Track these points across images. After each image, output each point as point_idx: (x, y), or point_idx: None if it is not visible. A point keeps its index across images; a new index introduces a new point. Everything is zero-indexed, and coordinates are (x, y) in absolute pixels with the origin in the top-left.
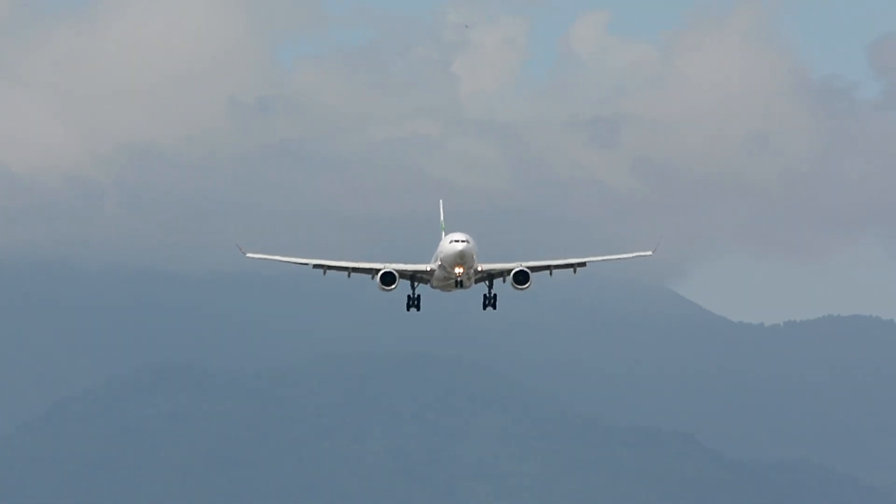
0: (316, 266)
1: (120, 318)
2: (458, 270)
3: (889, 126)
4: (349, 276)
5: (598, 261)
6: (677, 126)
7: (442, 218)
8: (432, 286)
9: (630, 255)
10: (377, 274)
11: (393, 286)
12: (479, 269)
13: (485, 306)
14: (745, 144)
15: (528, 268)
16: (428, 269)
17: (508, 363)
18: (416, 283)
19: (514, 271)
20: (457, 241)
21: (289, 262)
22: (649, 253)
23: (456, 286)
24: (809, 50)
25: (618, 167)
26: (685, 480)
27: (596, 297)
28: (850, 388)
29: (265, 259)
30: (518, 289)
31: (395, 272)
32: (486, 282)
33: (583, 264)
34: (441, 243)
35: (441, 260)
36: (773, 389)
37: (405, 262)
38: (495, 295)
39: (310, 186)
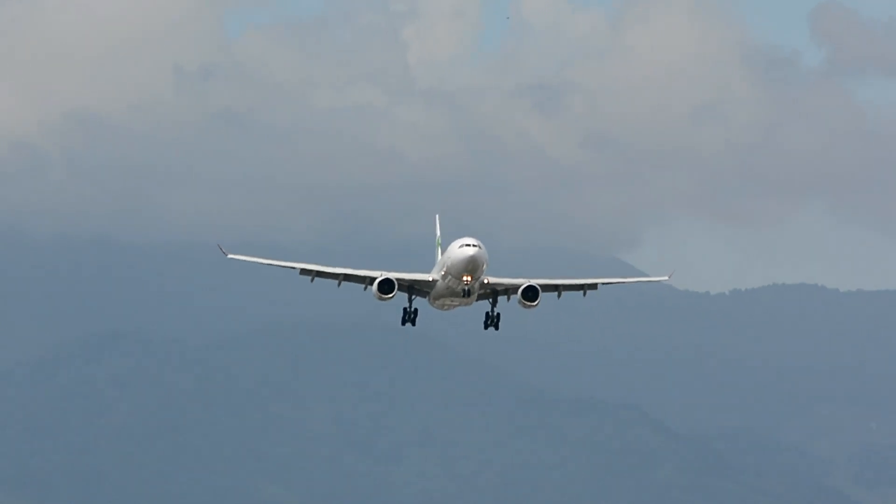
0: (303, 272)
1: (66, 285)
2: (467, 279)
3: (832, 94)
4: (339, 284)
5: (609, 283)
6: (624, 96)
7: (438, 234)
8: (431, 301)
9: (645, 279)
10: (373, 283)
11: (391, 295)
12: (486, 281)
13: (486, 326)
14: (691, 114)
15: (538, 286)
16: (430, 279)
17: (451, 332)
18: (413, 296)
19: (523, 287)
20: (467, 245)
21: (273, 265)
22: (666, 278)
23: (464, 296)
24: (753, 20)
25: (565, 137)
26: (630, 450)
27: (543, 267)
28: (794, 357)
29: (248, 261)
30: (526, 306)
31: (394, 280)
32: (490, 299)
33: (594, 286)
34: (448, 249)
35: (447, 268)
36: (718, 358)
37: (405, 272)
38: (498, 314)
39: (255, 155)
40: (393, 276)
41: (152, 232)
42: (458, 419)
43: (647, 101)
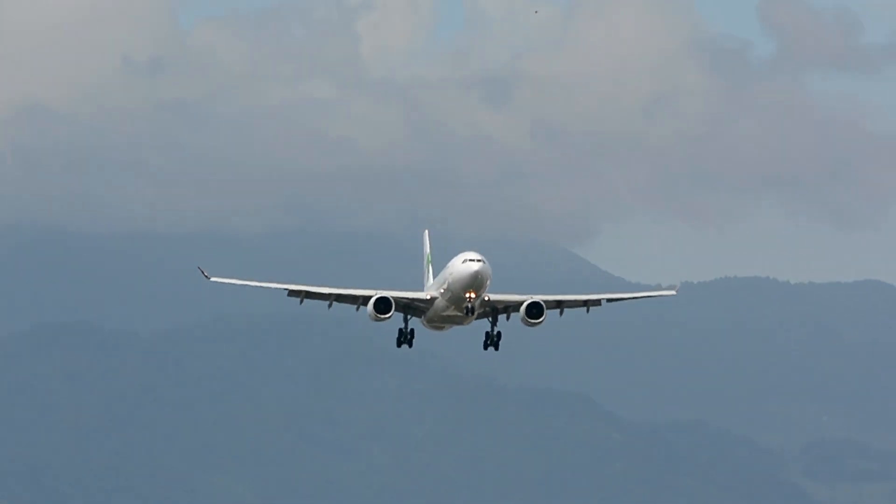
0: (292, 293)
1: (15, 276)
2: (471, 295)
3: (783, 85)
4: (330, 305)
5: (614, 299)
6: (576, 87)
7: (427, 250)
8: (426, 322)
9: (652, 293)
10: (367, 302)
11: (388, 315)
12: (486, 298)
13: (486, 346)
14: (642, 106)
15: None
16: (427, 297)
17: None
18: (409, 315)
19: (526, 304)
20: (471, 259)
21: (259, 286)
22: (672, 293)
23: (466, 314)
24: (704, 11)
25: (517, 128)
26: (580, 441)
27: (495, 258)
28: (745, 350)
29: (231, 283)
30: (530, 324)
31: (390, 299)
32: (489, 318)
33: (597, 302)
34: (449, 265)
35: (449, 284)
36: (669, 350)
37: (400, 290)
38: (499, 333)
39: (207, 146)
40: (389, 294)
41: (103, 223)
42: (409, 412)
43: (599, 92)
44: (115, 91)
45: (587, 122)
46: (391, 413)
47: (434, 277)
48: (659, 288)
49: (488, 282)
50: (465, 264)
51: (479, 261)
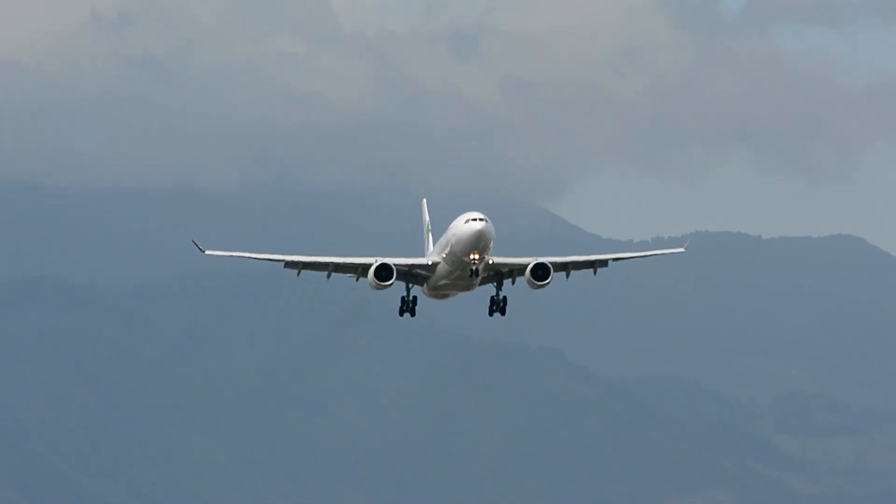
0: (288, 265)
1: None
2: (475, 257)
3: (753, 39)
4: (329, 276)
5: (622, 258)
6: (546, 42)
7: (427, 219)
8: (428, 290)
9: (660, 251)
10: (367, 270)
11: (390, 283)
12: (490, 262)
13: (491, 311)
14: (613, 60)
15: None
16: (429, 262)
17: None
18: (410, 283)
19: (532, 265)
20: (474, 219)
21: (254, 258)
22: (681, 250)
23: (471, 276)
24: None
25: (487, 83)
26: (552, 397)
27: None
28: (716, 305)
29: (226, 256)
30: (536, 286)
31: (392, 265)
32: (494, 282)
33: (605, 263)
34: (451, 227)
35: (451, 246)
36: (640, 305)
37: (399, 257)
38: (505, 297)
39: (177, 101)
40: (389, 261)
41: (73, 178)
42: (382, 368)
43: (570, 46)
44: (84, 45)
45: (558, 76)
46: (366, 370)
47: (434, 245)
48: (631, 244)
49: (492, 243)
50: (467, 224)
51: (482, 220)
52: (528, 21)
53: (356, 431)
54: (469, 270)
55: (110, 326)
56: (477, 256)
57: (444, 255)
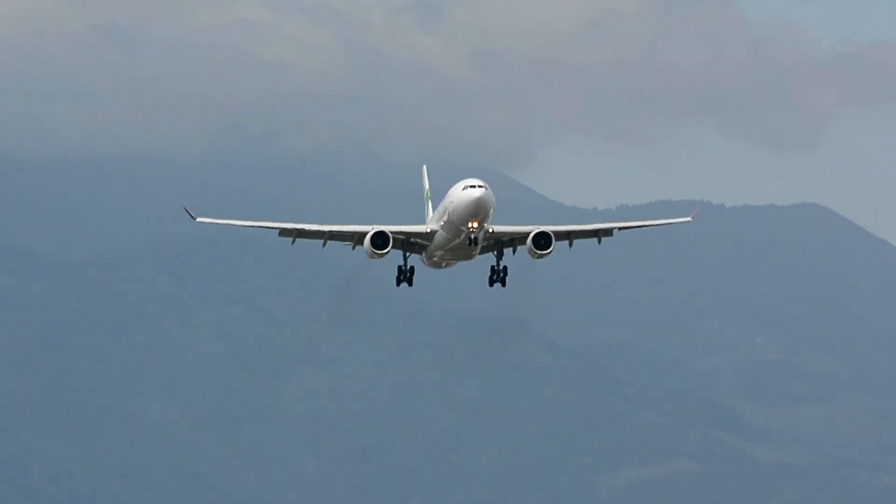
0: (283, 233)
1: None
2: (474, 225)
3: (717, 8)
4: (324, 244)
5: (626, 227)
6: (510, 10)
7: (426, 186)
8: (427, 259)
9: (665, 221)
10: (363, 238)
11: (386, 251)
12: (490, 230)
13: (492, 282)
14: (577, 29)
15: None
16: (427, 230)
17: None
18: (408, 252)
19: (533, 234)
20: (472, 186)
21: (247, 226)
22: (688, 219)
23: (470, 245)
24: None
25: (452, 52)
26: (516, 365)
27: (431, 183)
28: (680, 273)
29: (218, 223)
30: (538, 256)
31: (388, 233)
32: (494, 252)
33: (609, 232)
34: (449, 193)
35: (449, 214)
36: (603, 273)
37: (397, 224)
38: (505, 268)
39: (141, 69)
40: (386, 229)
41: (36, 146)
42: (344, 336)
43: (533, 16)
44: (48, 13)
45: (522, 45)
46: (324, 336)
47: (433, 213)
48: (595, 212)
49: (492, 210)
50: (465, 191)
51: (480, 187)
52: None
53: (314, 396)
54: (468, 239)
55: (73, 294)
56: (475, 225)
57: (443, 223)
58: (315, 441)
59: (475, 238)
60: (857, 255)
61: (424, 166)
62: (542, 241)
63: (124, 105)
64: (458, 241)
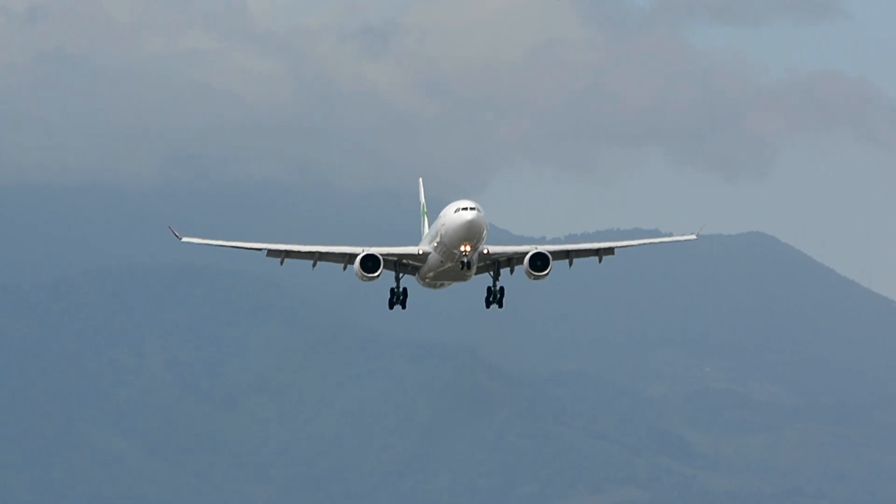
0: (272, 253)
1: None
2: (466, 248)
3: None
4: (314, 265)
5: (629, 246)
6: (458, 39)
7: (422, 199)
8: (421, 279)
9: (670, 239)
10: (353, 260)
11: (377, 273)
12: (485, 251)
13: (488, 303)
14: (524, 57)
15: (548, 252)
16: (419, 252)
17: (286, 275)
18: (401, 274)
19: (530, 255)
20: (464, 208)
21: (235, 247)
22: (693, 236)
23: (463, 268)
24: None
25: (401, 81)
26: (466, 395)
27: (380, 213)
28: (629, 301)
29: (205, 244)
30: (535, 277)
31: (378, 256)
32: (491, 272)
33: (610, 251)
34: (441, 215)
35: (441, 236)
36: (552, 302)
37: (389, 246)
38: (502, 289)
39: (89, 98)
40: (376, 251)
41: None
42: (294, 364)
43: (481, 43)
44: None
45: (470, 73)
46: (277, 366)
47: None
48: (543, 241)
49: (485, 232)
50: (457, 214)
51: (472, 209)
52: (440, 18)
53: (267, 427)
54: (460, 263)
55: (21, 323)
56: (468, 248)
57: (435, 245)
58: (265, 469)
59: (468, 262)
60: (804, 284)
61: (420, 179)
62: (539, 262)
63: (73, 133)
64: (450, 264)
